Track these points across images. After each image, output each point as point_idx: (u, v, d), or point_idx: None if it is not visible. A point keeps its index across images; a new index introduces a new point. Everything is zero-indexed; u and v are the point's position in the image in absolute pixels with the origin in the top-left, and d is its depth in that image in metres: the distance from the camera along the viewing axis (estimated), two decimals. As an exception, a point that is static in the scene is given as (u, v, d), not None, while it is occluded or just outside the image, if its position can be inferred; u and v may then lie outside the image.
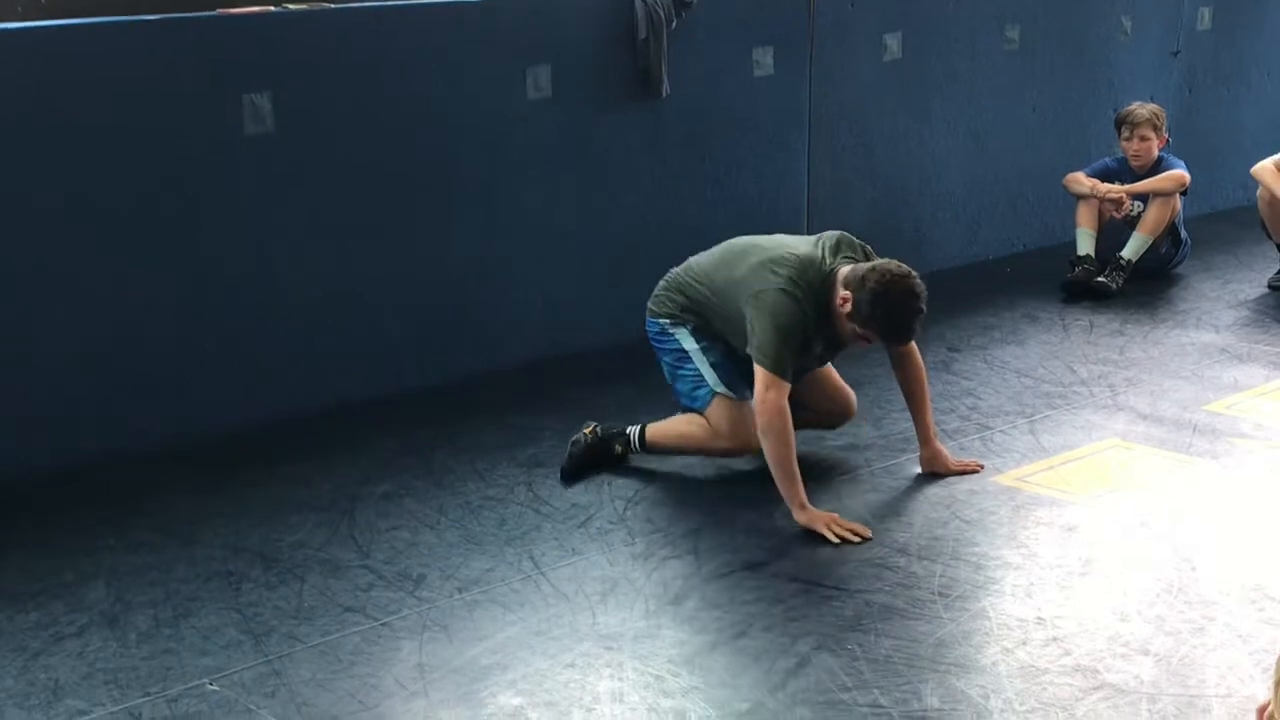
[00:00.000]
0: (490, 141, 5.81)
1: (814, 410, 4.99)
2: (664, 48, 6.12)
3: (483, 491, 4.79)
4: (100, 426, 5.05)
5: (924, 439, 4.88)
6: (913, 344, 4.80)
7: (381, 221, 5.61)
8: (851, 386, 5.37)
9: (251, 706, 3.53)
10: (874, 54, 6.97)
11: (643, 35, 6.06)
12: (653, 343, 5.00)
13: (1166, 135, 7.21)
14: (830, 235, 4.74)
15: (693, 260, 4.98)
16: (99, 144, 4.93)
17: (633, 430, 4.94)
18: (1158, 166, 7.14)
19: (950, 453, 4.91)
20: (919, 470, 4.89)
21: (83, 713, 3.51)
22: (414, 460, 5.04)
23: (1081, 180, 7.17)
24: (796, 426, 4.57)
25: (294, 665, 3.71)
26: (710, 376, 4.80)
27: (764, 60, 6.55)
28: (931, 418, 4.90)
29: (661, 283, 5.01)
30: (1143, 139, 7.11)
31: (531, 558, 4.31)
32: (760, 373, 4.49)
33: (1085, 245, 7.07)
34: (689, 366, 4.85)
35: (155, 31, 5.03)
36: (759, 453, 4.60)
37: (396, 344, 5.72)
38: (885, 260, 4.55)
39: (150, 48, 5.02)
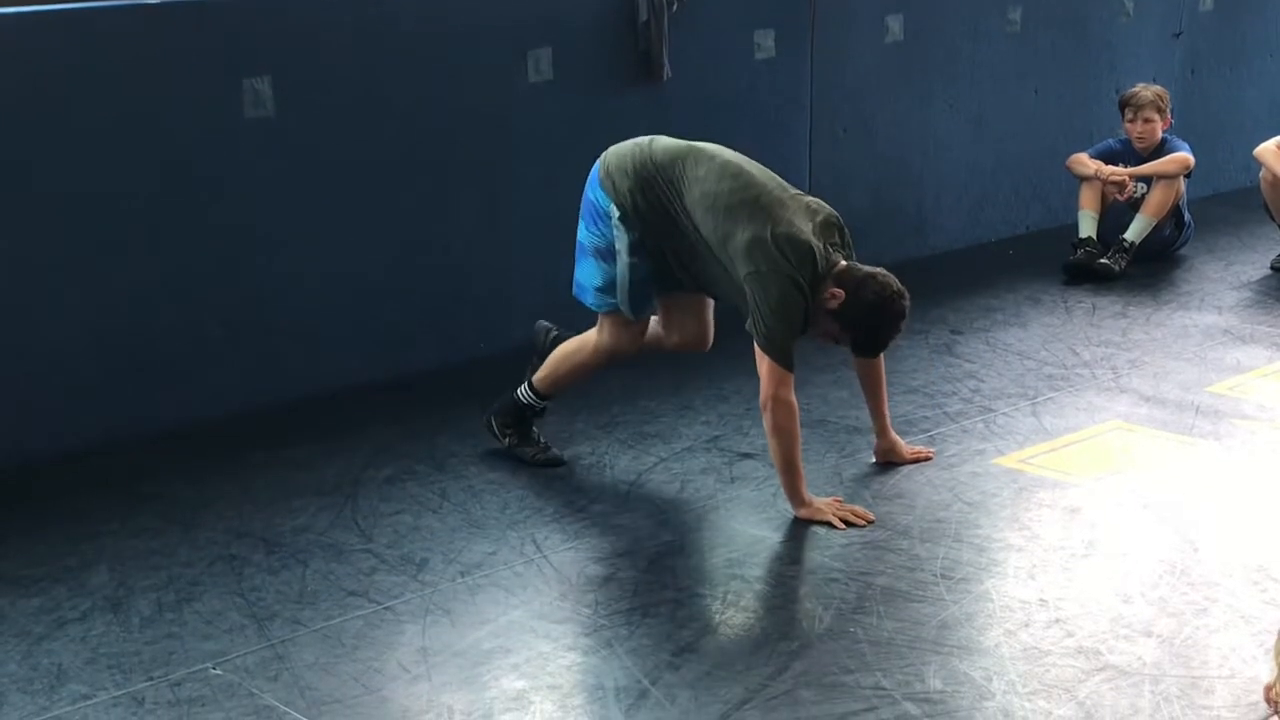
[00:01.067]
0: (491, 124, 5.80)
1: (678, 337, 4.82)
2: (665, 30, 6.10)
3: (485, 475, 4.79)
4: (102, 410, 5.05)
5: (882, 430, 4.85)
6: None
7: (382, 205, 5.60)
8: (853, 369, 5.38)
9: (254, 690, 3.53)
10: (876, 36, 6.95)
11: (644, 18, 6.05)
12: (589, 207, 4.64)
13: (1170, 117, 7.20)
14: (821, 214, 4.48)
15: (674, 163, 4.54)
16: (99, 128, 4.92)
17: (522, 394, 4.86)
18: (1162, 148, 7.13)
19: (906, 442, 4.92)
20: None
21: (86, 697, 3.52)
22: (416, 444, 5.03)
23: (1085, 162, 7.15)
24: (648, 351, 4.74)
25: (297, 649, 3.72)
26: (623, 295, 4.60)
27: (765, 43, 6.54)
28: (888, 408, 4.86)
29: (631, 159, 4.58)
30: (1146, 121, 7.09)
31: (534, 541, 4.31)
32: (768, 365, 4.35)
33: (1087, 227, 7.06)
34: (609, 267, 4.59)
35: (154, 15, 5.02)
36: (626, 357, 4.72)
37: (398, 327, 5.72)
38: (882, 272, 4.44)
39: (149, 31, 5.01)
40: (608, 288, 4.63)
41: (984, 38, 7.37)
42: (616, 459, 4.91)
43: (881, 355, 4.75)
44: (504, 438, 4.90)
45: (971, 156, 7.45)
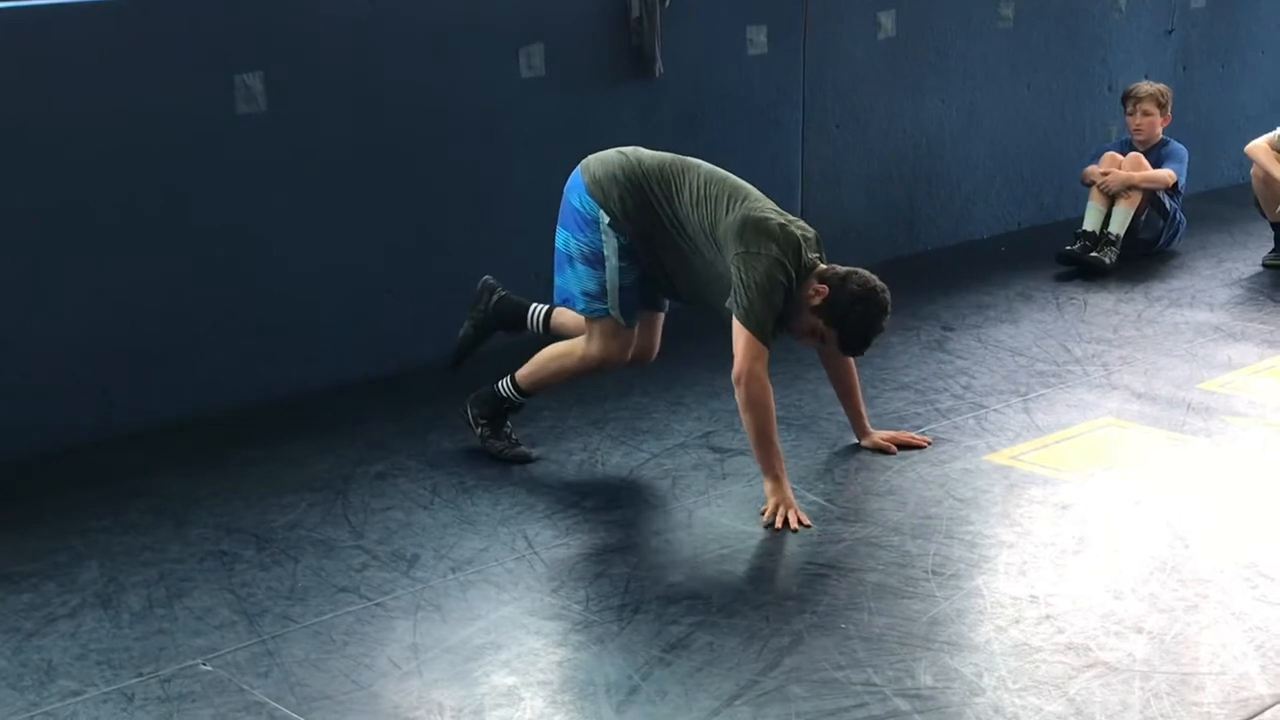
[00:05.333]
0: (483, 120, 5.79)
1: (633, 351, 4.80)
2: (657, 26, 6.10)
3: (477, 472, 4.78)
4: (93, 406, 5.04)
5: (863, 431, 4.91)
6: None
7: (374, 201, 5.60)
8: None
9: (245, 686, 3.53)
10: (868, 32, 6.95)
11: (636, 14, 6.05)
12: (573, 214, 4.66)
13: (1170, 115, 7.24)
14: (798, 224, 4.56)
15: (663, 169, 4.62)
16: (89, 123, 4.91)
17: (502, 387, 4.84)
18: (1161, 147, 7.18)
19: (886, 432, 4.97)
20: (910, 452, 4.90)
21: (76, 693, 3.51)
22: (408, 441, 5.03)
23: (1089, 174, 7.17)
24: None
25: (288, 645, 3.71)
26: (614, 299, 4.62)
27: (757, 38, 6.54)
28: (864, 407, 4.92)
29: (619, 167, 4.62)
30: (1145, 114, 7.18)
31: (525, 538, 4.31)
32: (745, 337, 4.36)
33: (1091, 220, 7.07)
34: (596, 273, 4.62)
35: (145, 9, 5.00)
36: (616, 367, 4.73)
37: (390, 324, 5.71)
38: (861, 270, 4.48)
39: (141, 27, 5.00)
40: (598, 294, 4.65)
41: (976, 33, 7.36)
42: (608, 455, 4.90)
43: (852, 362, 4.80)
44: (477, 427, 4.89)
45: (964, 152, 7.45)
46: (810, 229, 4.59)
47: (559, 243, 4.74)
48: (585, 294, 4.67)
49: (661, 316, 4.88)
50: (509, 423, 4.91)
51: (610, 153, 4.73)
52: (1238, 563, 4.09)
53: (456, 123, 5.73)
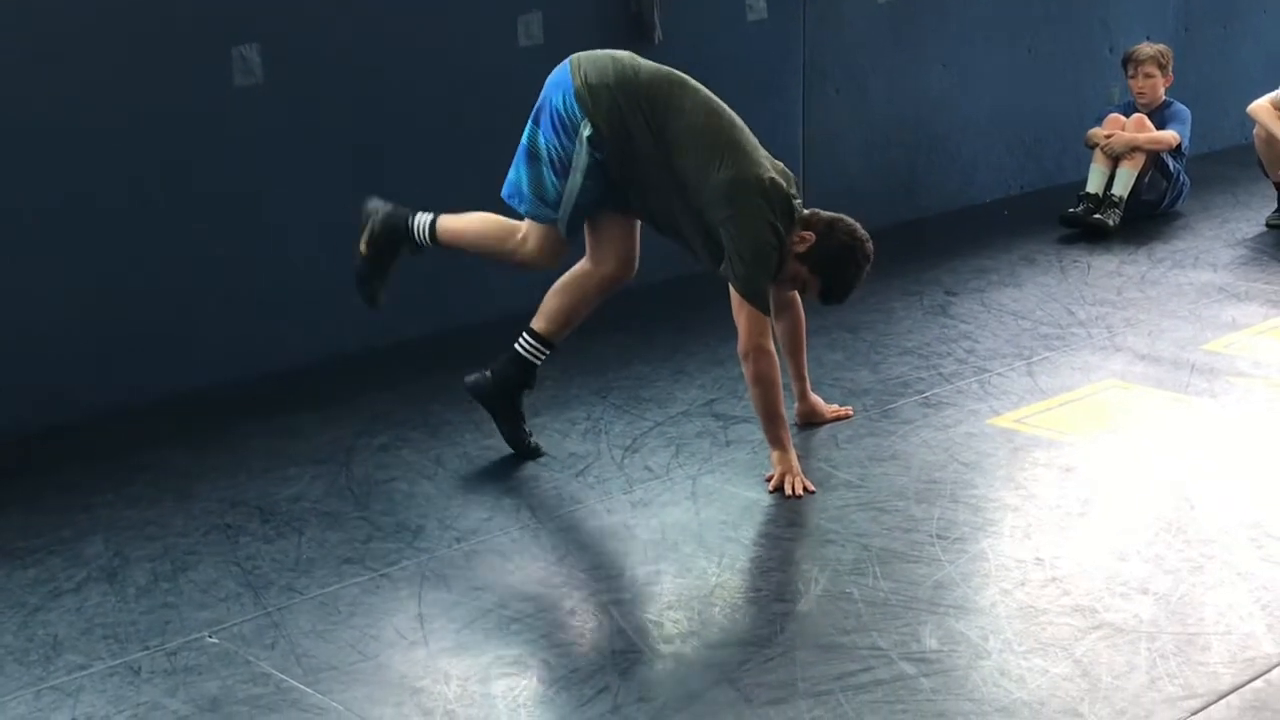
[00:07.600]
0: (481, 90, 5.77)
1: (610, 266, 4.58)
2: (656, -7, 6.08)
3: (480, 442, 4.78)
4: (95, 381, 5.04)
5: (803, 394, 4.83)
6: (797, 295, 4.66)
7: (373, 172, 5.57)
8: (847, 331, 5.37)
9: (251, 658, 3.53)
10: (868, -4, 6.93)
11: (634, -19, 6.03)
12: (554, 115, 4.39)
13: (1172, 76, 7.23)
14: (781, 166, 4.46)
15: (658, 84, 4.40)
16: (88, 97, 4.90)
17: (420, 221, 4.63)
18: (1164, 109, 7.18)
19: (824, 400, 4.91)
20: (914, 416, 4.89)
21: (82, 667, 3.51)
22: (411, 411, 5.03)
23: (1092, 136, 7.16)
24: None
25: (293, 617, 3.71)
26: (566, 211, 4.42)
27: (757, 4, 6.51)
28: (807, 368, 4.83)
29: (614, 74, 4.38)
30: (1147, 76, 7.19)
31: (529, 507, 4.31)
32: (747, 311, 4.30)
33: (1095, 183, 7.06)
34: (555, 181, 4.40)
35: (142, -17, 5.00)
36: (538, 270, 4.56)
37: (390, 294, 5.68)
38: (846, 218, 4.44)
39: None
40: (553, 201, 4.45)
41: (976, -3, 7.34)
42: (612, 424, 4.90)
43: (803, 319, 4.71)
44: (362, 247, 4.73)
45: (965, 116, 7.43)
46: (788, 170, 4.48)
47: (526, 136, 4.46)
48: (539, 197, 4.46)
49: (638, 225, 4.60)
50: (398, 252, 4.67)
51: (605, 57, 4.43)
52: (1243, 523, 4.09)
53: (455, 92, 5.71)
